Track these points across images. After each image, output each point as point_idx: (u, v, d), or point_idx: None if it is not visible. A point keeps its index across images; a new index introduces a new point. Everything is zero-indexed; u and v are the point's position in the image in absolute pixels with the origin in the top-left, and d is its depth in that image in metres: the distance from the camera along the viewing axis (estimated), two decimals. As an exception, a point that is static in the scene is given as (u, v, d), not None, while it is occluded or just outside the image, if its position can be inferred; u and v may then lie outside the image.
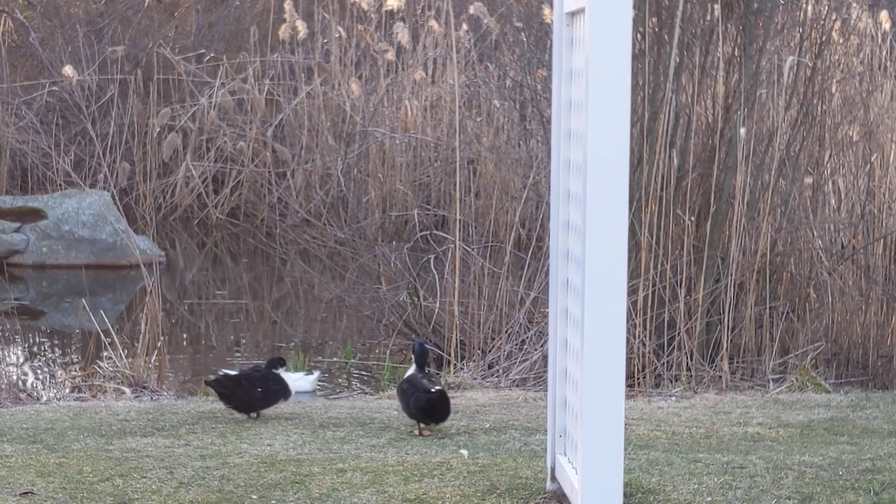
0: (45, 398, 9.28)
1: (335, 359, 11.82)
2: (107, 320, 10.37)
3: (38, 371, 11.19)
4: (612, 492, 5.26)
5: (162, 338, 9.89)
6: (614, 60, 5.19)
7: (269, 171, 19.38)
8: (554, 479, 6.03)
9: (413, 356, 7.78)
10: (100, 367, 9.96)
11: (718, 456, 6.95)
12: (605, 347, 5.23)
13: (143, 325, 9.95)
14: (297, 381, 11.11)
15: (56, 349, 12.21)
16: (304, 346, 12.28)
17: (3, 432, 7.73)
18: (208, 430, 7.87)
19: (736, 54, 10.61)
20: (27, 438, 7.55)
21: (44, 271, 15.98)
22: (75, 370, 10.26)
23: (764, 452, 7.09)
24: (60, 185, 19.62)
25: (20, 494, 6.16)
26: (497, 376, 10.09)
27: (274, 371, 8.37)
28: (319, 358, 11.82)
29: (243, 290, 15.84)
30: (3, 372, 9.67)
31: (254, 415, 8.31)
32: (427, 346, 8.02)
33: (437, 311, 11.49)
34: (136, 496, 6.17)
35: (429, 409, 7.46)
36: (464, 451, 6.95)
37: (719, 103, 10.56)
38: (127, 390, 9.49)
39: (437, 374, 9.67)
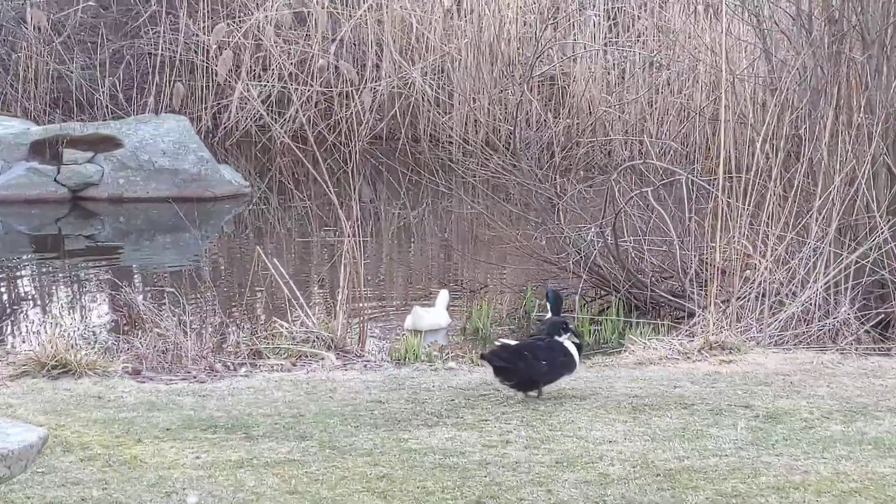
0: (242, 370, 7.57)
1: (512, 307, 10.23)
2: (287, 277, 8.62)
3: (201, 331, 9.27)
4: None
5: (364, 291, 8.25)
6: None
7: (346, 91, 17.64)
8: None
9: (548, 304, 7.87)
10: (280, 325, 8.31)
11: None
12: None
13: (341, 279, 8.30)
14: (436, 316, 9.50)
15: (209, 301, 10.19)
16: (469, 291, 10.67)
17: (247, 424, 6.15)
18: (498, 415, 6.33)
19: None
20: (289, 434, 5.98)
21: (121, 205, 14.18)
22: (250, 329, 8.62)
23: None
24: (107, 108, 17.80)
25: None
26: (747, 332, 8.54)
27: (557, 339, 6.80)
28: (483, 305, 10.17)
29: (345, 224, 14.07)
30: (176, 336, 7.92)
31: (533, 393, 6.75)
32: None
33: (630, 252, 9.97)
34: (541, 532, 4.62)
35: None
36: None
37: None
38: (329, 355, 7.86)
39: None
